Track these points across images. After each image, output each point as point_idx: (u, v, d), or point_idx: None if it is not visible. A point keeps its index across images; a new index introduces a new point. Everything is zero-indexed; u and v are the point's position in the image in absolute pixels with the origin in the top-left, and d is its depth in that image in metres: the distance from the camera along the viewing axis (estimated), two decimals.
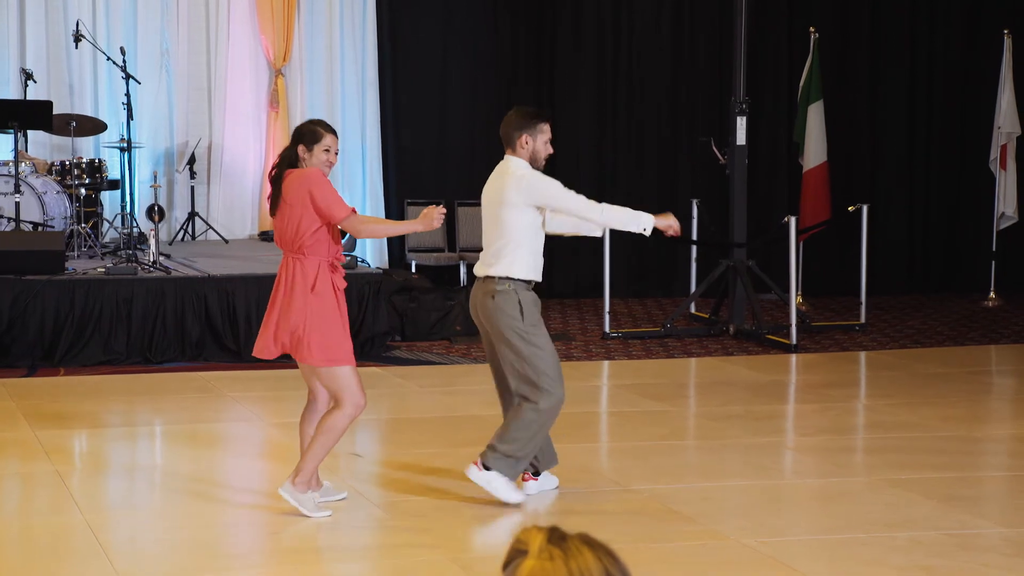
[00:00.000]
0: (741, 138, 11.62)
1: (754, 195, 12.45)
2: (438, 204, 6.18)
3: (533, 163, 6.16)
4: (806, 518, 6.32)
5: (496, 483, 6.14)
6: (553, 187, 6.11)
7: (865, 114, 14.30)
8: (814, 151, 12.82)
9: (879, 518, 6.15)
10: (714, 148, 11.85)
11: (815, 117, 12.77)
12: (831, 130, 13.04)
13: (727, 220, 11.91)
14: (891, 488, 6.68)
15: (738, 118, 11.60)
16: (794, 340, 10.84)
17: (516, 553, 1.87)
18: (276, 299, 6.02)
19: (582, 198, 6.15)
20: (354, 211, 6.01)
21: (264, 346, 6.02)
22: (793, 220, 11.26)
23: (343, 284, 6.06)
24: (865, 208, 11.86)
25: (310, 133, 6.01)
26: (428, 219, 6.00)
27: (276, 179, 6.01)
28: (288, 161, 6.01)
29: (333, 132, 6.05)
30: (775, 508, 6.42)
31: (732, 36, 11.87)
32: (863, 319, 11.85)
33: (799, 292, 11.55)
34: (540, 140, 6.16)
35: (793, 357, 10.62)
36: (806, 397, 9.41)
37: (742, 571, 5.46)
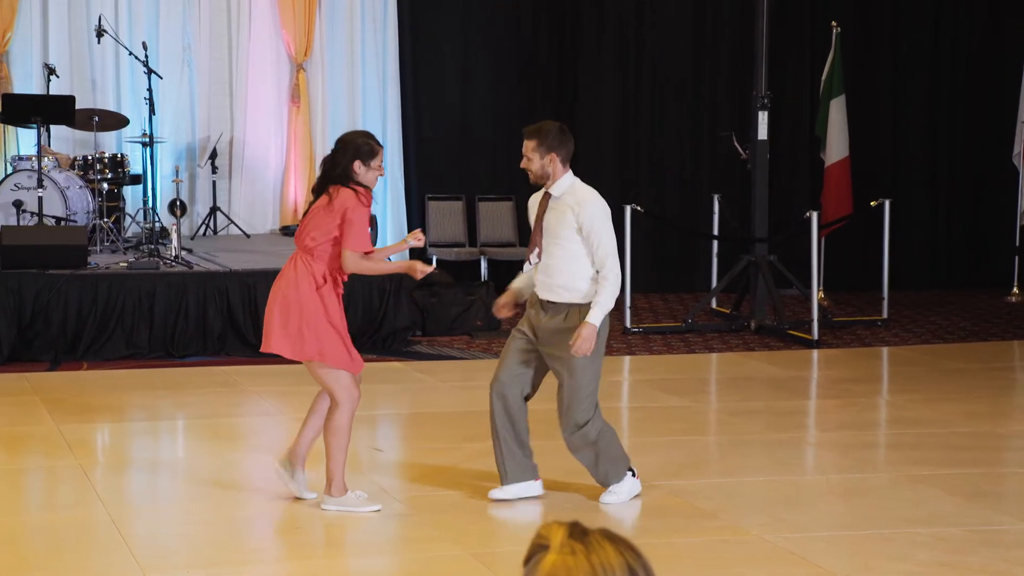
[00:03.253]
0: (763, 133, 11.59)
1: (775, 190, 12.42)
2: (419, 229, 6.17)
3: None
4: (828, 514, 6.30)
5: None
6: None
7: (887, 108, 14.24)
8: (836, 146, 12.77)
9: (901, 514, 6.13)
10: (735, 143, 11.82)
11: (837, 112, 12.72)
12: (853, 124, 12.99)
13: (748, 215, 11.88)
14: (913, 484, 6.66)
15: (760, 113, 11.57)
16: (815, 336, 10.81)
17: (537, 548, 1.87)
18: (281, 295, 6.03)
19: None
20: (367, 249, 6.00)
21: (266, 342, 6.02)
22: (815, 215, 11.23)
23: (341, 291, 6.07)
24: (887, 203, 11.81)
25: (368, 149, 6.00)
26: (412, 270, 6.08)
27: (319, 190, 6.03)
28: (335, 173, 5.97)
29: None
30: (796, 504, 6.40)
31: (754, 30, 11.84)
32: (885, 314, 11.81)
33: (821, 287, 11.52)
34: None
35: (814, 353, 10.59)
36: (827, 393, 9.38)
37: (763, 567, 5.45)
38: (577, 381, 6.08)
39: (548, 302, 6.15)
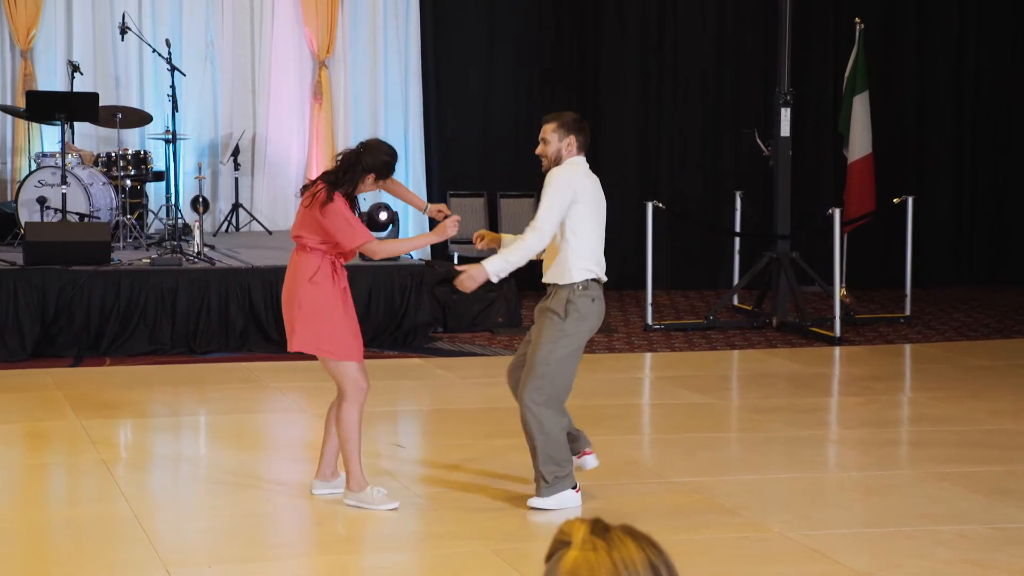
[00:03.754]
0: (785, 129, 11.56)
1: (798, 187, 12.38)
2: (447, 206, 6.14)
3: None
4: (850, 511, 6.29)
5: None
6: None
7: (911, 104, 14.19)
8: (859, 142, 12.73)
9: (924, 511, 6.11)
10: (758, 140, 11.79)
11: (860, 108, 12.68)
12: (876, 121, 12.95)
13: (771, 212, 11.85)
14: (936, 482, 6.63)
15: (782, 109, 11.54)
16: (838, 332, 10.78)
17: (559, 544, 1.86)
18: (284, 291, 6.09)
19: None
20: (371, 239, 5.99)
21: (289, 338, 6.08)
22: (838, 212, 11.19)
23: (344, 283, 6.06)
24: (911, 199, 11.77)
25: (388, 170, 6.03)
26: (442, 230, 6.03)
27: (307, 187, 6.05)
28: (345, 177, 5.96)
29: None
30: (819, 501, 6.39)
31: (777, 26, 11.81)
32: (908, 311, 11.77)
33: (843, 284, 11.48)
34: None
35: (837, 350, 10.56)
36: (850, 390, 9.35)
37: (785, 564, 5.44)
38: (535, 358, 5.99)
39: (544, 284, 6.13)
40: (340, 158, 6.10)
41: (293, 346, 6.01)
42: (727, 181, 13.54)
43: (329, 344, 5.95)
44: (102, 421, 7.79)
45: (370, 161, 5.99)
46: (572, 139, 6.04)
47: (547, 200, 5.94)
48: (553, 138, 6.05)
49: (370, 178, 5.99)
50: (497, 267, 5.92)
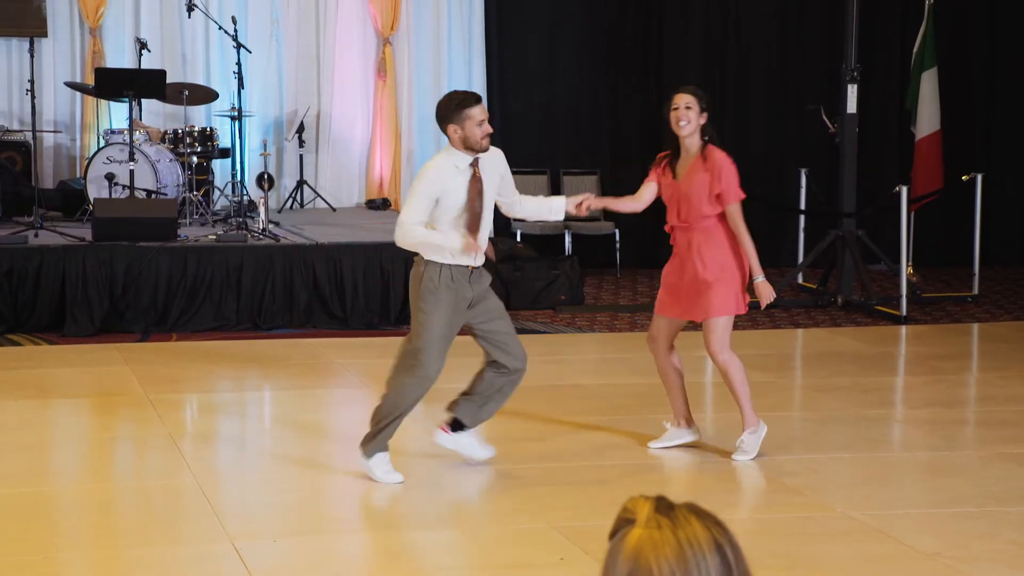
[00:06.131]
0: (852, 106, 11.44)
1: (864, 164, 12.26)
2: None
3: (472, 149, 6.06)
4: (915, 491, 6.24)
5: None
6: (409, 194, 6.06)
7: (981, 81, 14.00)
8: (927, 119, 12.58)
9: (990, 492, 6.05)
10: (824, 117, 11.68)
11: (928, 84, 12.52)
12: (945, 98, 12.78)
13: (836, 190, 11.75)
14: (1003, 462, 6.56)
15: (849, 86, 11.42)
16: (904, 311, 10.68)
17: (623, 522, 1.86)
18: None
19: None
20: None
21: None
22: (904, 189, 11.07)
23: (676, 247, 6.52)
24: (980, 177, 11.62)
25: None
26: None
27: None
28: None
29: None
30: (883, 481, 6.34)
31: (844, 1, 11.68)
32: (976, 290, 11.63)
33: (910, 263, 11.37)
34: (469, 126, 6.02)
35: (903, 329, 10.46)
36: (916, 369, 9.27)
37: (849, 543, 5.41)
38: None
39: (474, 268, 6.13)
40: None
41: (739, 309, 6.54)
42: (792, 158, 13.42)
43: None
44: (169, 396, 7.88)
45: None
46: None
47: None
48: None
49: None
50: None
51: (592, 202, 6.48)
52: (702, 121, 6.45)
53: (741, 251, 6.45)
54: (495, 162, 6.17)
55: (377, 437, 6.09)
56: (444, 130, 6.06)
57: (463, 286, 6.03)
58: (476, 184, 6.03)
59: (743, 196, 6.48)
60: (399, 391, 6.07)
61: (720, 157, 6.43)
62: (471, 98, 6.06)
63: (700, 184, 6.39)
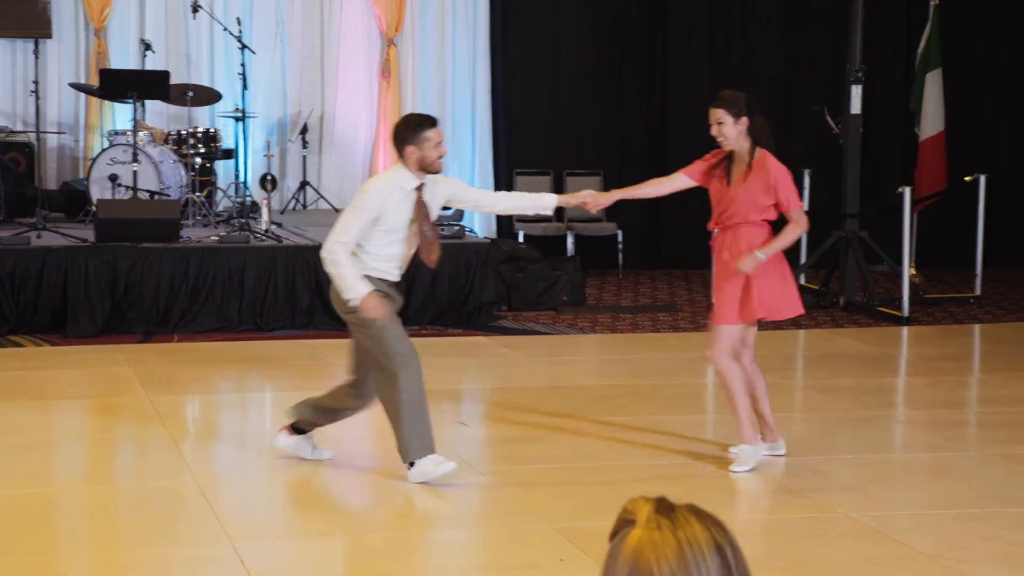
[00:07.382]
0: (856, 107, 11.43)
1: (868, 165, 12.25)
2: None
3: (425, 170, 6.07)
4: (917, 492, 6.23)
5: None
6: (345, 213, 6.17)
7: (985, 82, 13.99)
8: (931, 120, 12.57)
9: (992, 493, 6.04)
10: (828, 117, 11.68)
11: (933, 85, 12.51)
12: (949, 99, 12.77)
13: (840, 190, 11.74)
14: (1005, 463, 6.56)
15: (853, 87, 11.41)
16: (906, 312, 10.67)
17: (623, 523, 1.86)
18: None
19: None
20: None
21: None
22: (907, 190, 11.07)
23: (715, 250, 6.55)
24: (983, 178, 11.61)
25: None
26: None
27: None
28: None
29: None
30: (885, 482, 6.34)
31: (849, 2, 11.67)
32: (978, 291, 11.63)
33: (912, 264, 11.35)
34: (427, 147, 6.04)
35: (905, 329, 10.46)
36: (918, 370, 9.26)
37: (850, 544, 5.41)
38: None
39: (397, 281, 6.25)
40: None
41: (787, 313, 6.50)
42: (796, 159, 13.39)
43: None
44: (170, 397, 7.89)
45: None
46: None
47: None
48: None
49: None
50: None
51: (601, 200, 6.47)
52: (741, 128, 6.38)
53: (782, 257, 6.38)
54: (439, 186, 6.18)
55: (404, 439, 6.04)
56: (400, 151, 6.08)
57: (393, 294, 6.20)
58: (422, 209, 6.06)
59: (801, 203, 6.43)
60: (400, 392, 6.06)
61: (772, 166, 6.36)
62: (429, 120, 6.14)
63: (748, 191, 6.37)
